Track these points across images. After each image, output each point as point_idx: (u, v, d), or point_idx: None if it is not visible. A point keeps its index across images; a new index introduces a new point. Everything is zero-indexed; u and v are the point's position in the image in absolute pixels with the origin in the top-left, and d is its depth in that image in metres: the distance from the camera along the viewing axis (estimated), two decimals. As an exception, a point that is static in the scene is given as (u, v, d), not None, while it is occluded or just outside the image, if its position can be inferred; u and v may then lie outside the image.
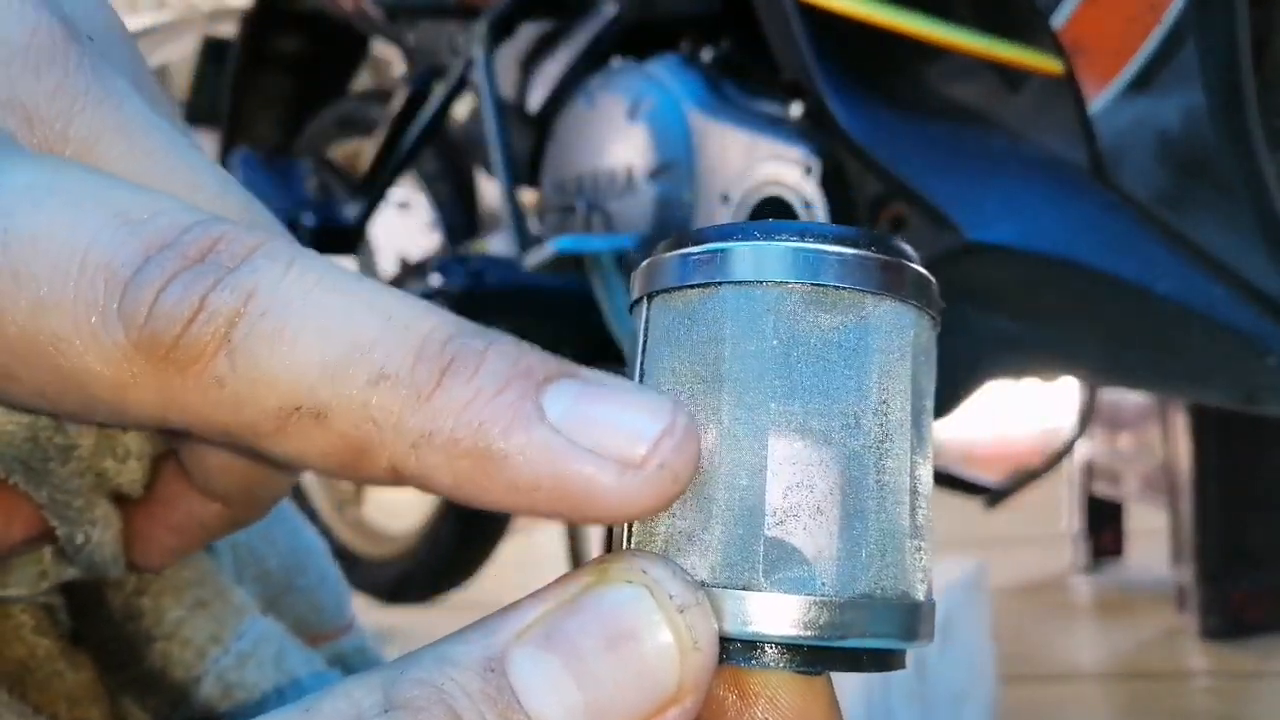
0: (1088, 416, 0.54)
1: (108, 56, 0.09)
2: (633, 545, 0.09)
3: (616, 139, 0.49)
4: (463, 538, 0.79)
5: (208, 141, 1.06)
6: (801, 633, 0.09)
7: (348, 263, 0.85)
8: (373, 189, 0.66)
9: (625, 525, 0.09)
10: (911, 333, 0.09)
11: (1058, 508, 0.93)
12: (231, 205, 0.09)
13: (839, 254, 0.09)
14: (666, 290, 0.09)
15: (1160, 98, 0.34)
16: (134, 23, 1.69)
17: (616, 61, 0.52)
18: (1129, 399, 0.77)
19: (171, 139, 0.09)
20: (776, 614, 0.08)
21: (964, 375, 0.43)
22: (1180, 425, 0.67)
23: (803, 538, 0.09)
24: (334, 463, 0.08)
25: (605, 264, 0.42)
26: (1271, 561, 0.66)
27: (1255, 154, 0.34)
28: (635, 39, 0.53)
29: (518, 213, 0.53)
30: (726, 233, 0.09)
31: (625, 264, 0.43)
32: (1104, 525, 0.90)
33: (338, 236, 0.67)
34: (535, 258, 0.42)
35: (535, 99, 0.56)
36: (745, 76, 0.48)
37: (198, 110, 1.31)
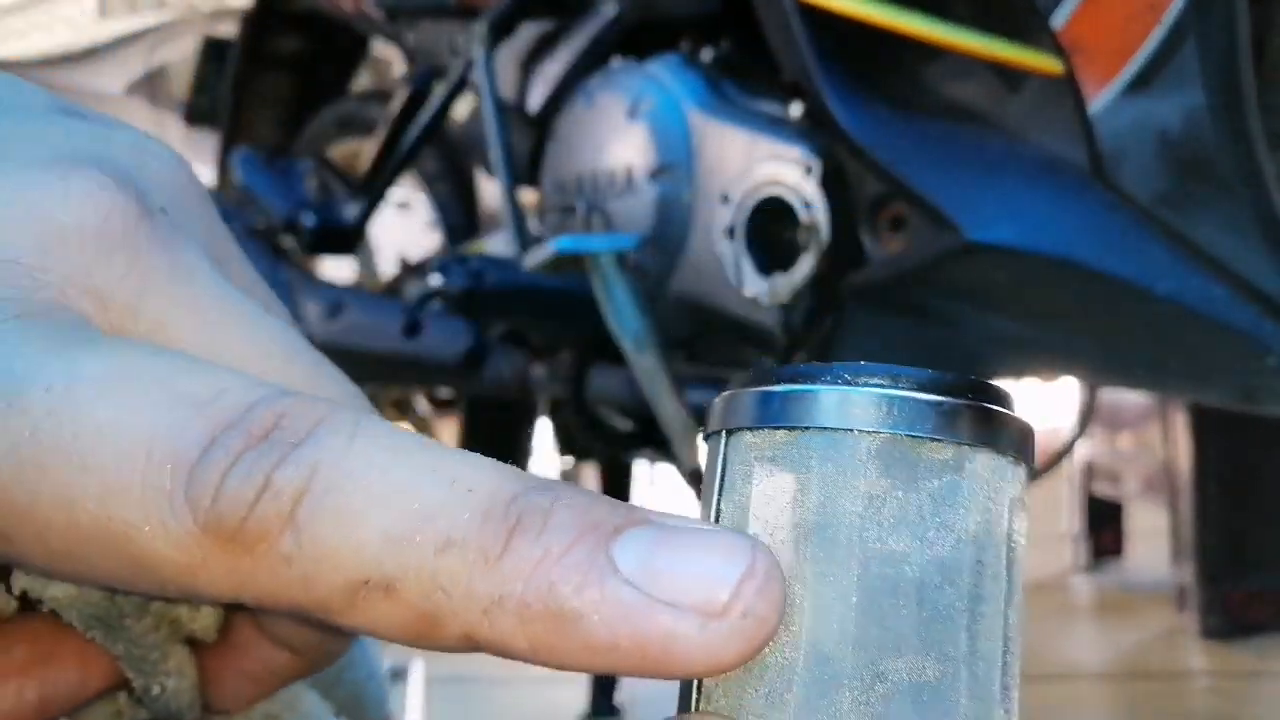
0: (1088, 416, 0.54)
1: (181, 227, 0.09)
2: (705, 696, 0.08)
3: (616, 139, 0.49)
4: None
5: (208, 141, 1.06)
6: None
7: (347, 267, 0.85)
8: (372, 189, 0.66)
9: (695, 682, 0.08)
10: (1008, 486, 0.09)
11: (1058, 507, 0.93)
12: (299, 371, 0.10)
13: (938, 403, 0.09)
14: (748, 429, 0.09)
15: (1160, 97, 0.34)
16: (134, 23, 1.69)
17: (616, 61, 0.52)
18: (1129, 399, 0.76)
19: (241, 308, 0.09)
20: None
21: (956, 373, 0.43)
22: (1180, 425, 0.67)
23: (889, 706, 0.08)
24: (408, 633, 0.08)
25: (605, 264, 0.42)
26: (1271, 562, 0.66)
27: (1255, 154, 0.34)
28: (635, 39, 0.53)
29: (518, 213, 0.53)
30: (815, 373, 0.09)
31: (625, 264, 0.43)
32: (1104, 525, 0.90)
33: (338, 237, 0.67)
34: (535, 258, 0.42)
35: (535, 99, 0.56)
36: (745, 77, 0.48)
37: (198, 110, 1.31)
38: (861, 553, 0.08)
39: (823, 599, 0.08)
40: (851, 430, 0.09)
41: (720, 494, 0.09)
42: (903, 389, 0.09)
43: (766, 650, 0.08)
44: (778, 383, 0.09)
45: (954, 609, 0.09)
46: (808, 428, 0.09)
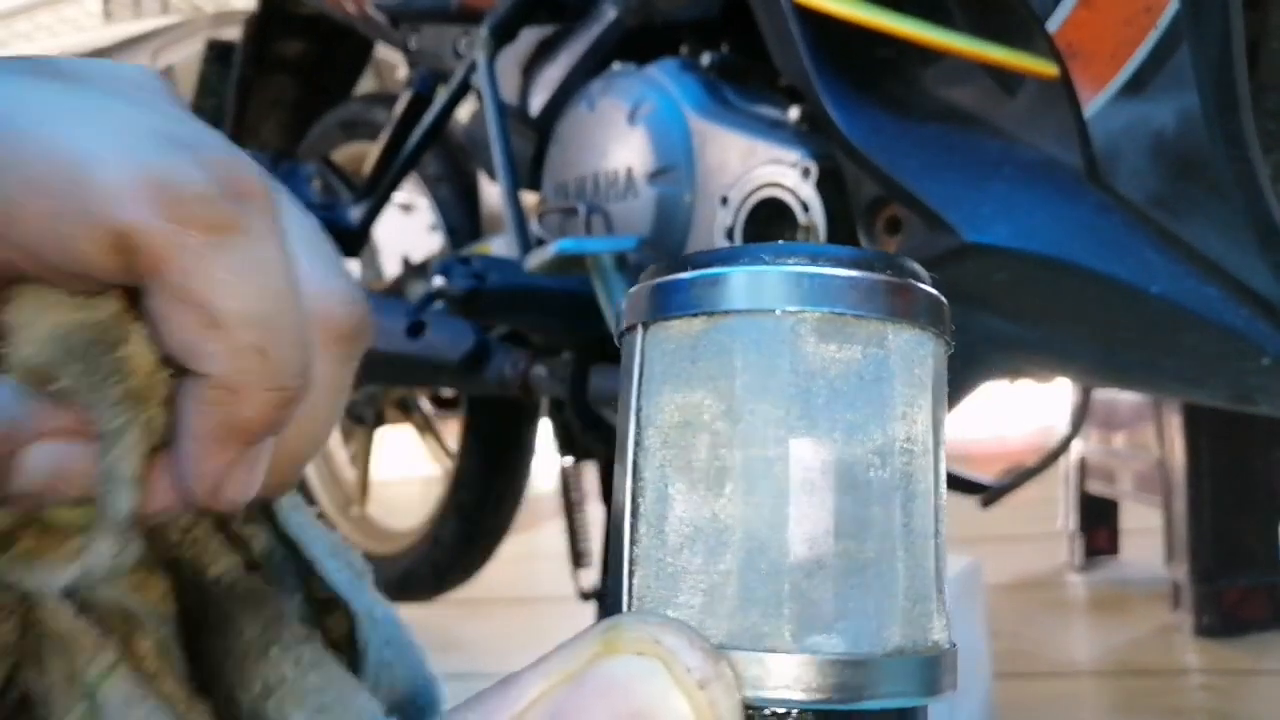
0: (1083, 416, 0.55)
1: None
2: (638, 599, 0.08)
3: (617, 142, 0.50)
4: (466, 535, 0.79)
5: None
6: (830, 696, 0.08)
7: (351, 267, 0.85)
8: (376, 192, 0.67)
9: (627, 574, 0.08)
10: (930, 361, 0.08)
11: (1053, 506, 0.93)
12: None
13: (855, 279, 0.08)
14: (665, 318, 0.08)
15: (1155, 100, 0.34)
16: (139, 26, 1.70)
17: (617, 65, 0.53)
18: (1124, 399, 0.77)
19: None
20: (804, 678, 0.08)
21: (961, 376, 0.43)
22: (1175, 425, 0.67)
23: (831, 592, 0.08)
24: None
25: (606, 265, 0.43)
26: (1265, 560, 0.66)
27: (1249, 156, 0.34)
28: (635, 43, 0.54)
29: (519, 215, 0.53)
30: (731, 256, 0.08)
31: (626, 265, 0.43)
32: (1099, 523, 0.90)
33: (342, 239, 0.67)
34: (537, 259, 0.42)
35: (536, 103, 0.56)
36: (744, 81, 0.48)
37: (202, 113, 1.31)
38: (790, 436, 0.08)
39: (755, 487, 0.08)
40: (773, 311, 0.08)
41: (639, 390, 0.08)
42: (822, 266, 0.08)
43: (699, 545, 0.08)
44: (693, 269, 0.08)
45: (888, 487, 0.08)
46: (727, 311, 0.08)
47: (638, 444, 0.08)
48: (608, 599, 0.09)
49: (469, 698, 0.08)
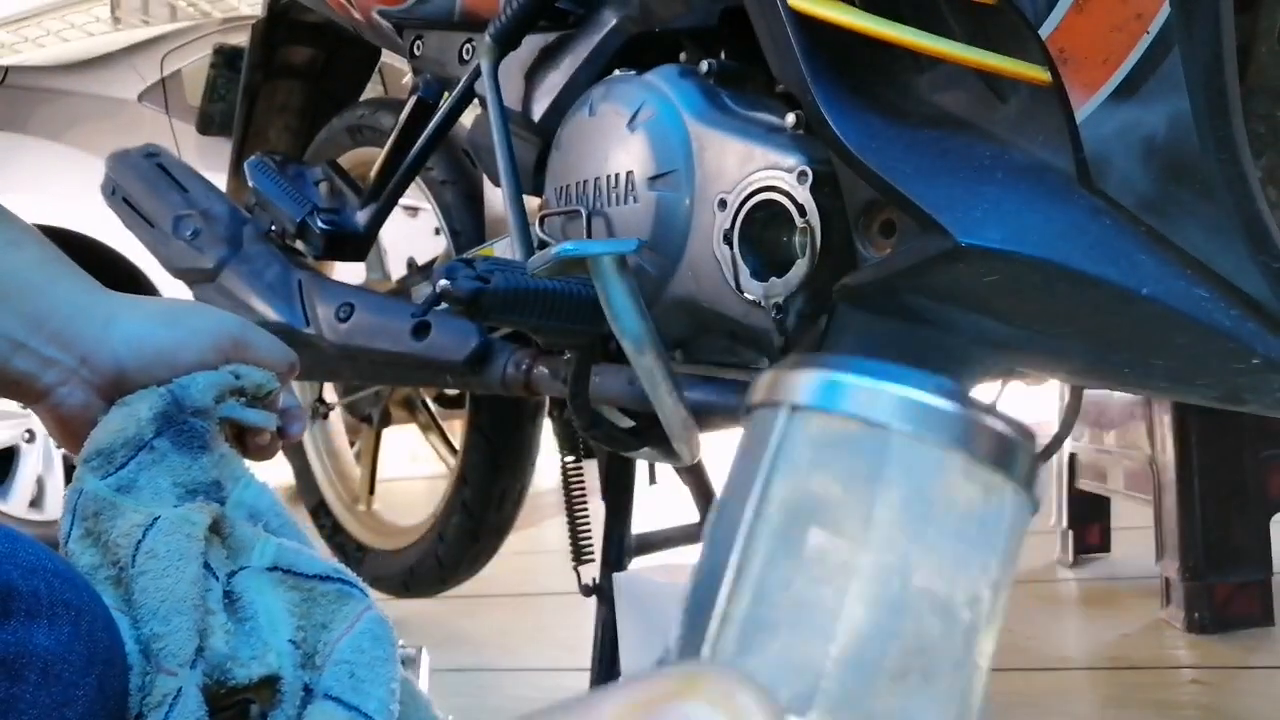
0: (1074, 415, 0.55)
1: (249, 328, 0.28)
2: (718, 651, 0.09)
3: (617, 147, 0.51)
4: (470, 531, 0.80)
5: (220, 148, 1.08)
6: None
7: (358, 267, 0.86)
8: (382, 196, 0.68)
9: (717, 625, 0.08)
10: (1024, 524, 0.10)
11: (1045, 503, 0.94)
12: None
13: (1011, 438, 0.09)
14: (822, 410, 0.09)
15: (1146, 105, 0.35)
16: (147, 31, 1.71)
17: (618, 72, 0.54)
18: (1115, 397, 0.77)
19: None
20: None
21: (954, 376, 0.44)
22: (1165, 423, 0.68)
23: (907, 702, 0.09)
24: None
25: (607, 267, 0.44)
26: (1255, 557, 0.66)
27: (1239, 159, 0.35)
28: (636, 50, 0.55)
29: (522, 219, 0.54)
30: (896, 374, 0.09)
31: (626, 267, 0.44)
32: (1090, 520, 0.90)
33: (348, 243, 0.69)
34: (539, 261, 0.43)
35: (539, 108, 0.57)
36: (743, 87, 0.49)
37: (210, 118, 1.34)
38: (914, 555, 0.09)
39: (868, 591, 0.08)
40: (932, 442, 0.09)
41: (773, 468, 0.09)
42: (988, 418, 0.09)
43: (803, 617, 0.08)
44: (850, 371, 0.09)
45: (976, 621, 0.09)
46: (891, 428, 0.09)
47: (758, 513, 0.09)
48: (682, 642, 0.09)
49: (543, 708, 0.08)
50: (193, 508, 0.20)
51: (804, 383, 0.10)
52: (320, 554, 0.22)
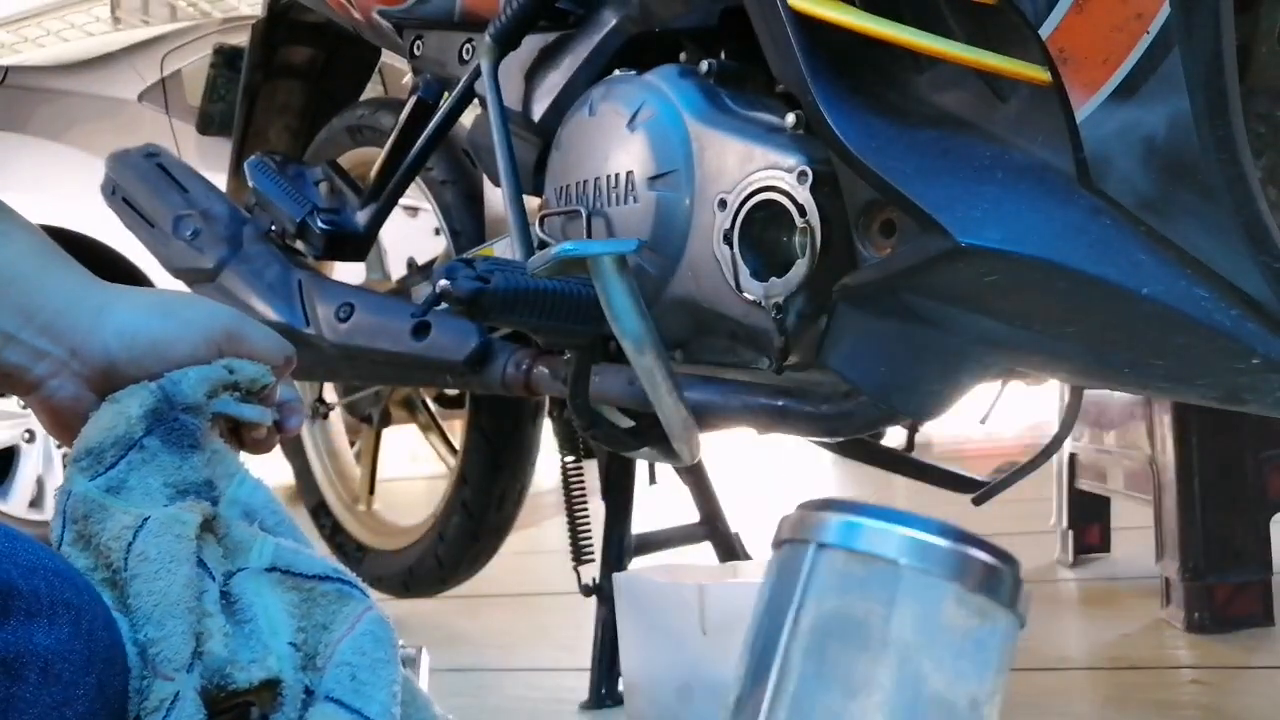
0: (1074, 415, 0.55)
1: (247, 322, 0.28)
2: None
3: (617, 147, 0.51)
4: (470, 532, 0.81)
5: (220, 148, 1.08)
6: None
7: (359, 267, 0.86)
8: (382, 196, 0.68)
9: None
10: (1014, 639, 0.12)
11: (1045, 504, 0.94)
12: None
13: (1002, 570, 0.12)
14: (844, 549, 0.12)
15: (1146, 104, 0.35)
16: (147, 31, 1.71)
17: (618, 72, 0.54)
18: (1115, 397, 0.77)
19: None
20: None
21: (954, 376, 0.44)
22: (1165, 423, 0.68)
23: None
24: None
25: (607, 267, 0.44)
26: (1255, 557, 0.66)
27: (1239, 159, 0.35)
28: (636, 50, 0.55)
29: (523, 219, 0.54)
30: (904, 520, 0.12)
31: (626, 267, 0.44)
32: (1090, 520, 0.90)
33: (348, 244, 0.69)
34: (539, 261, 0.43)
35: (539, 108, 0.57)
36: (743, 87, 0.49)
37: (210, 118, 1.34)
38: (929, 671, 0.11)
39: (889, 702, 0.11)
40: (935, 575, 0.12)
41: (804, 596, 0.12)
42: (979, 553, 0.12)
43: None
44: (866, 516, 0.12)
45: None
46: (902, 564, 0.12)
47: (792, 635, 0.12)
48: None
49: None
50: (183, 507, 0.20)
51: (828, 524, 0.12)
52: (318, 552, 0.21)
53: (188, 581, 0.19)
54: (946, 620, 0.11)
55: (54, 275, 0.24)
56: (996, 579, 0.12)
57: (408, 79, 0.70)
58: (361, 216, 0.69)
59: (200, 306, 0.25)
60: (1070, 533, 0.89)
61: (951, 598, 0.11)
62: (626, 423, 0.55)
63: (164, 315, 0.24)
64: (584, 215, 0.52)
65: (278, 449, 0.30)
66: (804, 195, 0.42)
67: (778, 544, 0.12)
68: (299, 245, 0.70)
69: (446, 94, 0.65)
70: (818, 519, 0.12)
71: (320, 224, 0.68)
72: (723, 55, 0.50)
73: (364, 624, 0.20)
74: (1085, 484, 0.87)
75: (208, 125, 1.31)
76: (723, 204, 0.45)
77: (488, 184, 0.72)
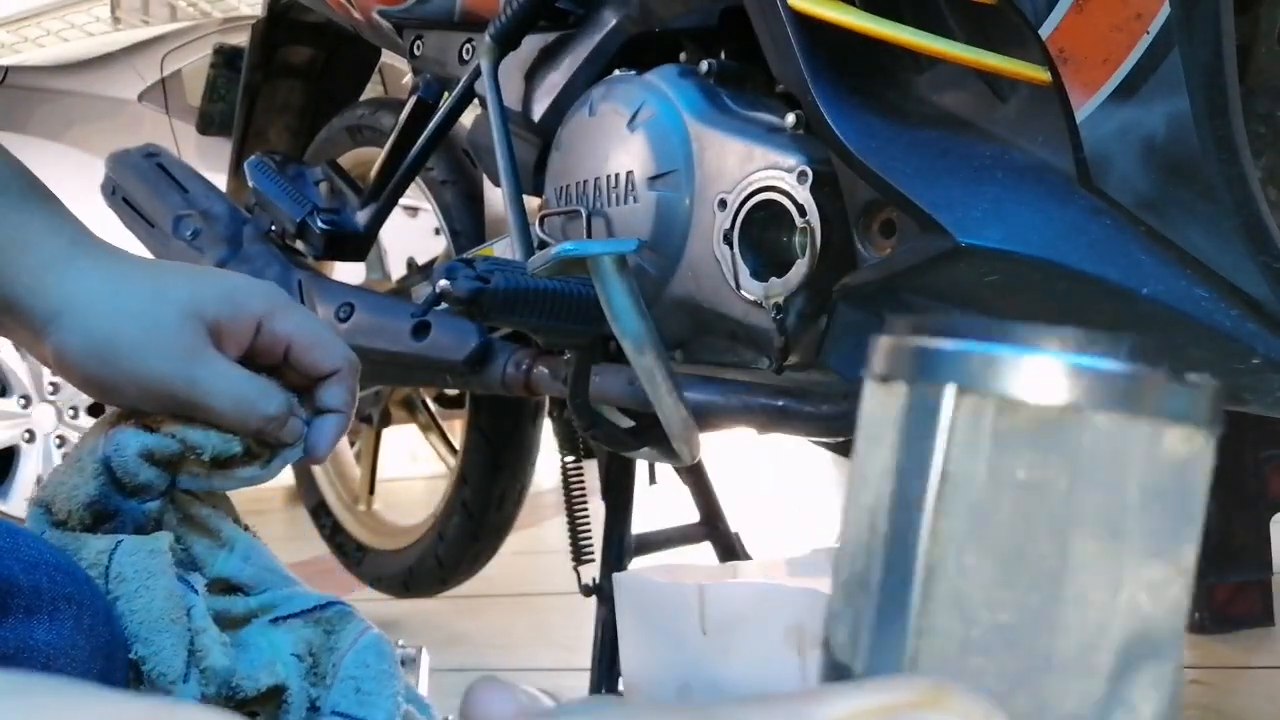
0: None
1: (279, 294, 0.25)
2: (920, 663, 0.08)
3: (618, 147, 0.51)
4: (470, 532, 0.80)
5: (220, 148, 1.08)
6: None
7: (359, 267, 0.86)
8: (382, 196, 0.68)
9: (913, 635, 0.08)
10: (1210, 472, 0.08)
11: None
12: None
13: (1206, 389, 0.08)
14: (999, 396, 0.08)
15: (1146, 105, 0.35)
16: (147, 31, 1.72)
17: (618, 72, 0.54)
18: None
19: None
20: None
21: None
22: None
23: (1139, 697, 0.08)
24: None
25: (607, 267, 0.44)
26: (1256, 557, 0.66)
27: (1239, 159, 0.35)
28: (636, 50, 0.55)
29: (523, 219, 0.54)
30: (1082, 341, 0.08)
31: (626, 267, 0.44)
32: None
33: (348, 243, 0.69)
34: (539, 261, 0.43)
35: (539, 108, 0.57)
36: (743, 87, 0.49)
37: (210, 118, 1.34)
38: (1129, 553, 0.07)
39: (1087, 598, 0.07)
40: (1137, 417, 0.07)
41: (949, 455, 0.07)
42: (1179, 377, 0.08)
43: (1015, 635, 0.07)
44: (1041, 345, 0.07)
45: (1182, 602, 0.08)
46: (1086, 409, 0.07)
47: (939, 510, 0.08)
48: (865, 654, 0.08)
49: (773, 695, 0.07)
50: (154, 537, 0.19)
51: (972, 359, 0.08)
52: (310, 590, 0.21)
53: (168, 594, 0.18)
54: (1145, 479, 0.08)
55: (7, 256, 0.20)
56: (1207, 405, 0.08)
57: (408, 79, 0.70)
58: (361, 216, 0.69)
59: (157, 350, 0.20)
60: (1070, 533, 0.90)
61: (1149, 446, 0.08)
62: (626, 423, 0.55)
63: (110, 356, 0.20)
64: (584, 215, 0.52)
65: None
66: (804, 195, 0.42)
67: (886, 378, 0.09)
68: (299, 245, 0.70)
69: (446, 94, 0.65)
70: (953, 353, 0.08)
71: (320, 224, 0.68)
72: (723, 55, 0.50)
73: (365, 639, 0.20)
74: (1086, 484, 0.87)
75: (208, 125, 1.31)
76: (723, 204, 0.45)
77: (488, 184, 0.72)
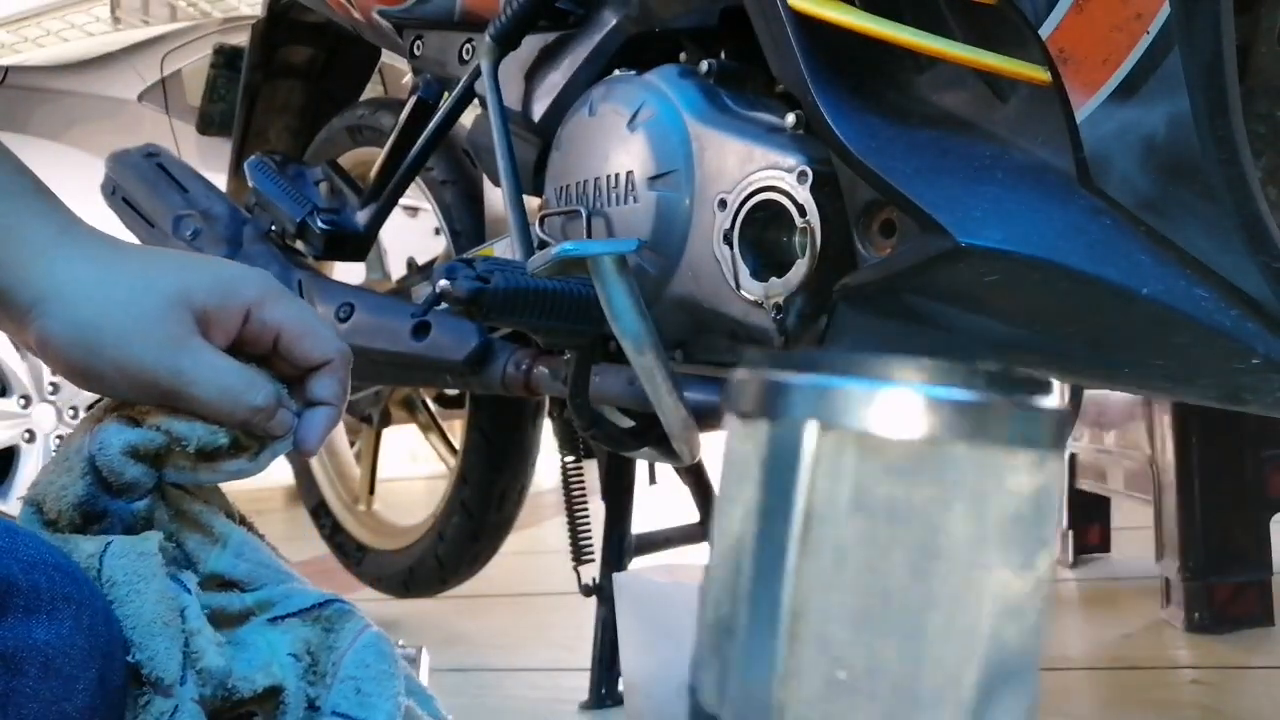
0: (1074, 415, 0.55)
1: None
2: (798, 705, 0.07)
3: (617, 147, 0.51)
4: (470, 532, 0.80)
5: (220, 148, 1.08)
6: None
7: (358, 267, 0.87)
8: (382, 196, 0.68)
9: (781, 677, 0.07)
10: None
11: None
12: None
13: (1051, 411, 0.08)
14: (860, 432, 0.07)
15: (1146, 105, 0.35)
16: (147, 31, 1.72)
17: (618, 72, 0.54)
18: (1115, 398, 0.77)
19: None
20: None
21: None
22: (1165, 423, 0.68)
23: (1008, 702, 0.08)
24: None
25: (607, 267, 0.43)
26: (1255, 557, 0.66)
27: (1239, 159, 0.35)
28: (636, 50, 0.55)
29: (523, 219, 0.54)
30: (941, 374, 0.07)
31: (626, 267, 0.44)
32: (1090, 520, 0.90)
33: (348, 243, 0.69)
34: (539, 261, 0.43)
35: (539, 108, 0.57)
36: (743, 87, 0.49)
37: (210, 118, 1.34)
38: (998, 568, 0.07)
39: (955, 619, 0.07)
40: (1000, 447, 0.07)
41: (812, 489, 0.07)
42: (1033, 398, 0.08)
43: (882, 666, 0.07)
44: (871, 378, 0.07)
45: (1038, 618, 0.08)
46: (949, 441, 0.07)
47: (804, 550, 0.08)
48: (733, 703, 0.08)
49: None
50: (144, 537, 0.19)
51: (832, 395, 0.08)
52: (311, 587, 0.21)
53: (159, 597, 0.18)
54: (1007, 502, 0.08)
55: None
56: (1053, 428, 0.08)
57: (408, 79, 0.70)
58: (361, 216, 0.69)
59: (140, 338, 0.20)
60: (1070, 533, 0.89)
61: (1009, 469, 0.08)
62: (626, 423, 0.55)
63: (94, 351, 0.19)
64: (584, 215, 0.52)
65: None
66: (804, 195, 0.42)
67: (747, 415, 0.08)
68: (299, 245, 0.70)
69: (446, 94, 0.65)
70: (823, 386, 0.08)
71: (320, 224, 0.68)
72: (722, 55, 0.50)
73: (365, 638, 0.20)
74: (1085, 484, 0.86)
75: (208, 125, 1.31)
76: (723, 204, 0.45)
77: (488, 184, 0.72)
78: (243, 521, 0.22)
